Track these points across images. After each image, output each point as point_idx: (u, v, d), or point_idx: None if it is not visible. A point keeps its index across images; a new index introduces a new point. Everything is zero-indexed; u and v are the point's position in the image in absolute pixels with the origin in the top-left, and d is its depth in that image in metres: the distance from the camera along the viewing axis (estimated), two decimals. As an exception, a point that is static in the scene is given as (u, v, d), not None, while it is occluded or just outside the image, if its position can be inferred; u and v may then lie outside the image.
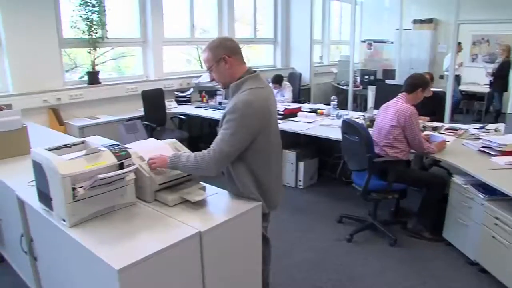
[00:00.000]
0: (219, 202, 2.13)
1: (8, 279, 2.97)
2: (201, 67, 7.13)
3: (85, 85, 5.26)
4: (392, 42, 9.23)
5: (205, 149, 2.02)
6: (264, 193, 2.13)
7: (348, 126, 3.63)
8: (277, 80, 6.30)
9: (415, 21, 9.68)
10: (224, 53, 2.06)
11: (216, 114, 5.35)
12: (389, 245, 3.53)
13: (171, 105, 5.91)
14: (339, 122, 4.20)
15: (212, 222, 1.88)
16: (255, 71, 2.13)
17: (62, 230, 1.85)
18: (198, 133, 6.18)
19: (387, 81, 7.84)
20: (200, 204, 2.05)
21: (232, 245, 1.98)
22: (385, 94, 4.45)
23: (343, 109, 5.61)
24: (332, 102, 5.37)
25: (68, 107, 5.03)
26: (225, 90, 5.78)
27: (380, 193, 3.54)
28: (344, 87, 8.56)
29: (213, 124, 5.56)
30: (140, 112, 5.40)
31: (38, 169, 1.95)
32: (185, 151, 2.27)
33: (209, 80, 6.11)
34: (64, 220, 1.85)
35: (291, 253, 3.46)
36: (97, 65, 5.36)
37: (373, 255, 3.41)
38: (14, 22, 4.46)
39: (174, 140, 2.39)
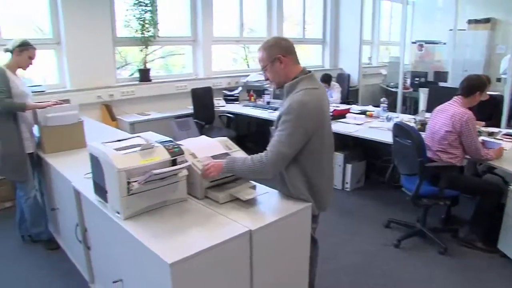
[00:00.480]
0: (269, 202, 2.12)
1: (64, 266, 3.10)
2: (248, 66, 7.18)
3: (136, 82, 5.43)
4: (444, 43, 8.90)
5: (253, 148, 2.01)
6: (315, 194, 2.10)
7: (399, 129, 3.54)
8: (326, 80, 6.23)
9: (469, 21, 9.30)
10: (279, 52, 2.05)
11: (264, 114, 5.37)
12: (438, 253, 3.41)
13: (220, 104, 5.99)
14: (389, 125, 4.10)
15: (263, 221, 1.88)
16: (309, 71, 2.10)
17: (116, 222, 1.91)
18: (245, 132, 6.22)
19: (440, 84, 7.59)
20: (250, 203, 2.05)
21: (281, 245, 1.97)
22: (438, 97, 4.30)
23: (392, 112, 5.48)
24: (382, 104, 5.23)
25: (120, 103, 5.19)
26: (274, 90, 5.85)
27: (431, 199, 3.41)
28: (393, 89, 8.34)
29: (260, 123, 5.58)
30: (189, 109, 5.49)
31: (95, 162, 2.01)
32: (236, 150, 2.29)
33: (257, 79, 6.21)
34: (118, 213, 1.91)
35: (338, 255, 3.41)
36: (147, 62, 5.50)
37: (421, 262, 3.30)
38: (73, 22, 4.66)
39: (226, 138, 2.41)
